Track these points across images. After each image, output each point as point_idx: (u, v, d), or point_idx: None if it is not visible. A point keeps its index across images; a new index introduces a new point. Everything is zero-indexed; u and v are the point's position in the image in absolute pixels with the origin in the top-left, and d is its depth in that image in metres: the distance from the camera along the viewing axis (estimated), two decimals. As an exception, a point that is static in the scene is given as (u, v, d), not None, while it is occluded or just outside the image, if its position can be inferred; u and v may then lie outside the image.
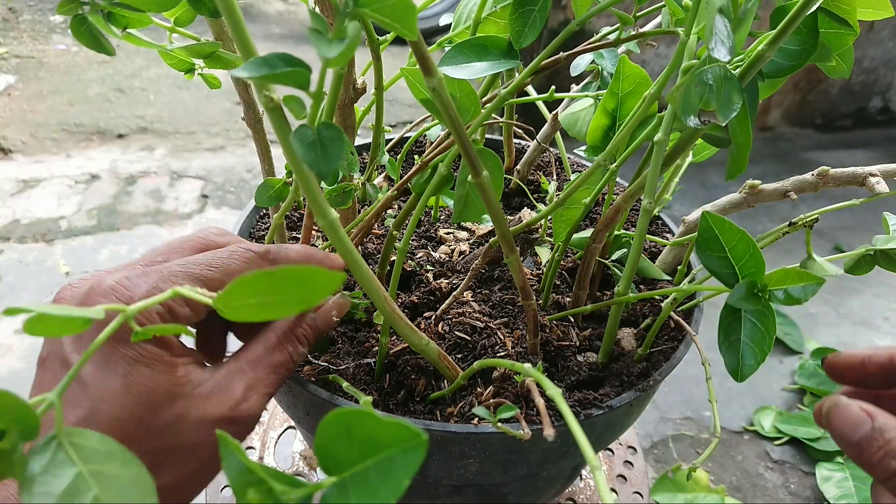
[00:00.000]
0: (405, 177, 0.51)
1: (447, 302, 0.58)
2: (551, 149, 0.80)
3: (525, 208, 0.77)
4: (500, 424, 0.42)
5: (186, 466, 0.37)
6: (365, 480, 0.22)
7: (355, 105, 0.58)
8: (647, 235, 0.60)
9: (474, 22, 0.53)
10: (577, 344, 0.57)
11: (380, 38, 0.50)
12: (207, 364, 0.40)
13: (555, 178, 0.82)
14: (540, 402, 0.38)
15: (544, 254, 0.69)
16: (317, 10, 0.47)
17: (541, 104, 0.75)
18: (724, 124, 0.40)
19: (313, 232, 0.64)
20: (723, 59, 0.37)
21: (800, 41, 0.43)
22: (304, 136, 0.30)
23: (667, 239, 0.71)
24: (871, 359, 0.45)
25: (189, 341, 0.44)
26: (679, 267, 0.65)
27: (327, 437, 0.23)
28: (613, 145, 0.50)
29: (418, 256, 0.68)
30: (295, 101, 0.30)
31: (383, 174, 0.78)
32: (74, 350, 0.36)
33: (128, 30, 0.48)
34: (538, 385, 0.38)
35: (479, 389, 0.51)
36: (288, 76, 0.28)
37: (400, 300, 0.61)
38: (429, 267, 0.66)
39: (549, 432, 0.35)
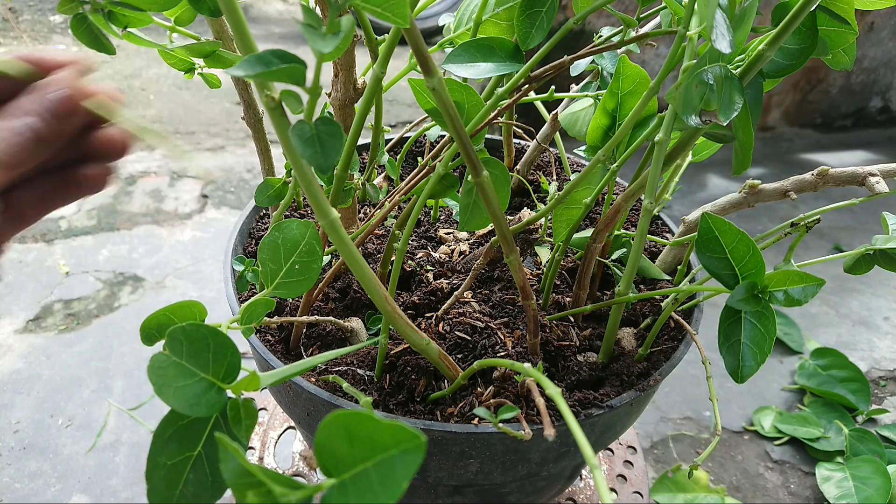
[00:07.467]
0: (411, 181, 0.51)
1: (448, 302, 0.58)
2: (551, 149, 0.80)
3: (525, 208, 0.77)
4: (500, 425, 0.42)
5: None
6: (364, 482, 0.22)
7: (355, 105, 0.58)
8: (648, 235, 0.60)
9: (475, 23, 0.53)
10: (578, 344, 0.57)
11: (378, 37, 0.50)
12: None
13: (555, 178, 0.82)
14: (540, 401, 0.38)
15: (544, 254, 0.68)
16: (316, 9, 0.47)
17: (540, 104, 0.75)
18: (725, 124, 0.40)
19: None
20: (724, 50, 0.37)
21: (799, 40, 0.43)
22: (303, 132, 0.30)
23: (667, 239, 0.71)
24: None
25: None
26: (679, 267, 0.65)
27: (327, 439, 0.23)
28: (613, 141, 0.50)
29: (418, 256, 0.68)
30: (292, 96, 0.30)
31: (383, 174, 0.78)
32: None
33: (128, 29, 0.48)
34: (538, 385, 0.38)
35: (479, 389, 0.51)
36: (283, 72, 0.28)
37: (401, 300, 0.61)
38: (429, 267, 0.66)
39: (549, 432, 0.34)
